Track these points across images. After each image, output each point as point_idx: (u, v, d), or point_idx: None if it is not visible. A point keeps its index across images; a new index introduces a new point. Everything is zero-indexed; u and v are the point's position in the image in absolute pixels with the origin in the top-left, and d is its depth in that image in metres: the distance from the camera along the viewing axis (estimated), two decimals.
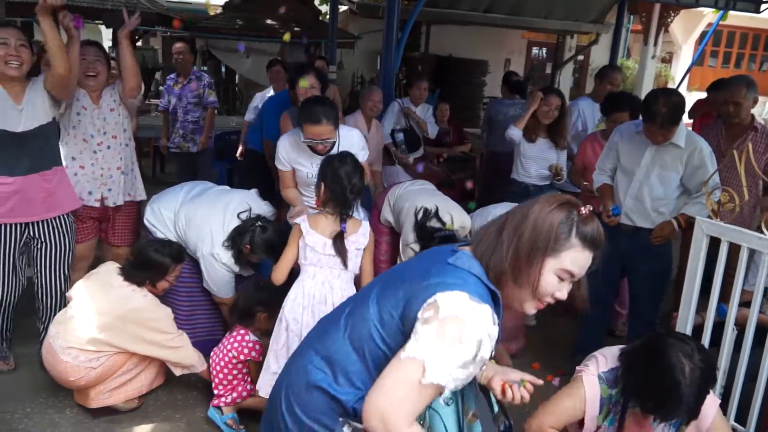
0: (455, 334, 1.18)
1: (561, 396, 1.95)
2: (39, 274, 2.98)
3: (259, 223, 2.84)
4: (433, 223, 3.25)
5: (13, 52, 2.64)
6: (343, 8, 10.52)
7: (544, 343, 3.67)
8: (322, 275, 2.44)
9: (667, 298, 3.47)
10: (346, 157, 2.56)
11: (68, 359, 2.56)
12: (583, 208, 1.30)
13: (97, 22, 11.48)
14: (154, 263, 2.71)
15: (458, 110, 8.13)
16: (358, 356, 1.32)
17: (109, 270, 2.75)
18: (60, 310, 2.96)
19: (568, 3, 8.95)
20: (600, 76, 4.56)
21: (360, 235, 2.53)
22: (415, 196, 3.43)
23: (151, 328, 2.62)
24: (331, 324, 1.43)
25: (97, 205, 3.21)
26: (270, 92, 5.20)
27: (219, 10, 10.28)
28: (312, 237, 2.43)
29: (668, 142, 2.89)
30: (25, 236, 2.87)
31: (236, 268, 2.91)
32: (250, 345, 2.69)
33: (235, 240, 2.81)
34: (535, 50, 14.90)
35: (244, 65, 9.35)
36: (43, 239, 2.89)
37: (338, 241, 2.45)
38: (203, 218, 2.92)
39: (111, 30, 11.45)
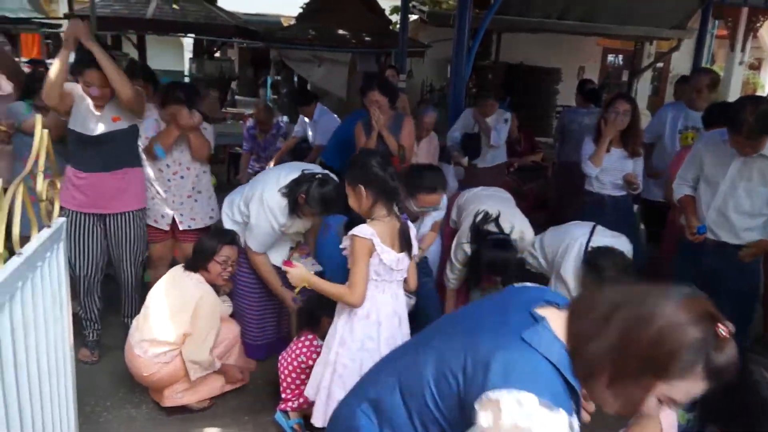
0: None
1: None
2: (118, 266, 3.25)
3: (320, 176, 2.79)
4: (491, 227, 3.20)
5: (98, 93, 2.92)
6: (413, 17, 10.57)
7: None
8: (391, 289, 2.32)
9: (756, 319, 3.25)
10: (368, 150, 2.48)
11: (140, 353, 2.70)
12: (722, 327, 1.00)
13: (179, 35, 12.10)
14: (202, 245, 2.85)
15: (530, 119, 7.98)
16: (405, 411, 1.20)
17: (177, 267, 2.92)
18: (139, 298, 3.20)
19: (648, 8, 8.59)
20: (683, 80, 4.32)
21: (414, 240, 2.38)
22: (483, 200, 3.39)
23: (192, 314, 2.70)
24: (387, 367, 1.32)
25: (167, 228, 3.44)
26: (305, 119, 5.53)
27: (293, 21, 10.57)
28: (388, 255, 2.20)
29: (758, 154, 2.71)
30: (102, 227, 3.15)
31: (281, 219, 2.83)
32: (318, 350, 2.71)
33: (293, 189, 2.77)
34: (610, 57, 14.43)
35: (316, 74, 9.52)
36: (117, 232, 3.17)
37: (405, 238, 2.27)
38: (263, 178, 3.01)
39: (192, 42, 12.04)
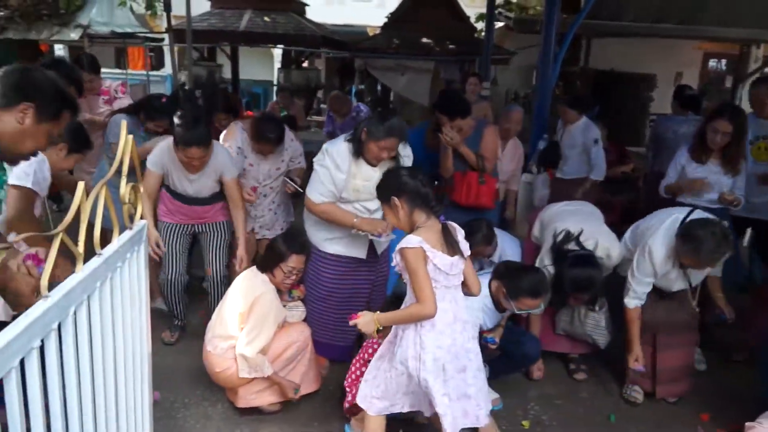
0: None
1: None
2: (207, 257, 3.53)
3: (379, 110, 2.81)
4: (571, 246, 3.05)
5: (198, 164, 3.17)
6: (499, 24, 10.39)
7: (717, 391, 3.23)
8: (450, 294, 2.26)
9: None
10: (397, 166, 2.57)
11: (211, 349, 2.79)
12: None
13: (269, 46, 12.56)
14: (272, 248, 2.89)
15: (621, 128, 7.59)
16: None
17: (252, 267, 2.98)
18: (223, 292, 3.32)
19: (756, 8, 7.95)
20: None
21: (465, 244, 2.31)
22: (565, 218, 3.24)
23: (249, 307, 2.73)
24: None
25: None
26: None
27: (378, 31, 10.69)
28: (442, 259, 2.17)
29: None
30: (192, 232, 3.49)
31: (339, 161, 2.85)
32: (375, 346, 2.71)
33: (356, 131, 2.88)
34: (712, 62, 13.52)
35: (399, 83, 9.57)
36: (205, 237, 3.51)
37: (452, 241, 2.21)
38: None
39: (281, 52, 12.46)
